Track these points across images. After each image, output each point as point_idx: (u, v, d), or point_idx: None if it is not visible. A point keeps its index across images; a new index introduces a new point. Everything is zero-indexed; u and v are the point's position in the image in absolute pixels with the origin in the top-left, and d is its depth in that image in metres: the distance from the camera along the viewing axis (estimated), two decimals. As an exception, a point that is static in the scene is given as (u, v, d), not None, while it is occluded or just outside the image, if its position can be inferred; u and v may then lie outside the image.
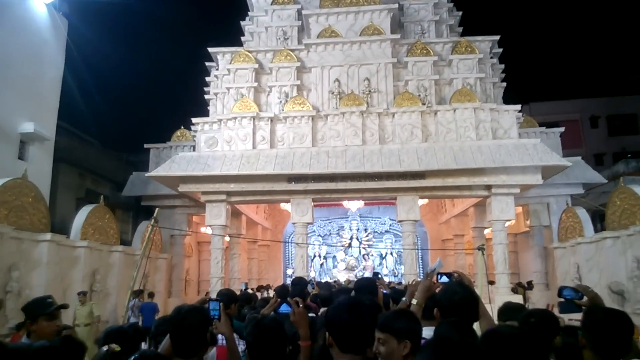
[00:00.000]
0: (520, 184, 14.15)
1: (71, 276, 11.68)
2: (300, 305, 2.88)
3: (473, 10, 20.73)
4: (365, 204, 18.73)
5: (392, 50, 15.77)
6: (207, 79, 17.62)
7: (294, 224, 15.24)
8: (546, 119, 23.62)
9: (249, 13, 18.36)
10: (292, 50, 15.97)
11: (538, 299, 16.03)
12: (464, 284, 3.05)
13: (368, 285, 4.17)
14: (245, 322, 4.20)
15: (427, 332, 2.64)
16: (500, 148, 14.00)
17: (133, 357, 2.33)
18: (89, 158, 19.21)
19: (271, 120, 15.07)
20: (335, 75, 15.65)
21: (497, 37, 16.44)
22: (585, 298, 3.02)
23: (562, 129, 17.98)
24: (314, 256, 22.35)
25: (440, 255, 18.84)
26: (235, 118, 14.97)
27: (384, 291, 4.91)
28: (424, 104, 14.89)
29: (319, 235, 23.02)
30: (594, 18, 36.80)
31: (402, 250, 16.17)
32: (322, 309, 4.92)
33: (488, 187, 14.33)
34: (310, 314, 3.46)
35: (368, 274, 20.77)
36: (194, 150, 16.18)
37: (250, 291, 12.92)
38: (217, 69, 16.92)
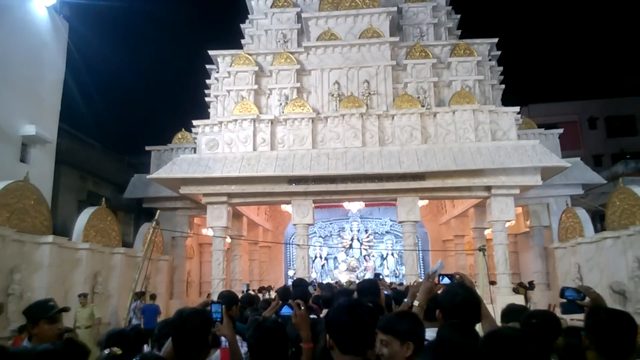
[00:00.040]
0: (519, 184, 14.18)
1: (73, 278, 11.70)
2: (302, 308, 2.90)
3: (471, 13, 20.79)
4: (366, 205, 18.76)
5: (391, 53, 15.82)
6: (207, 81, 17.66)
7: (294, 225, 15.27)
8: (545, 121, 23.66)
9: (249, 16, 18.42)
10: (292, 53, 16.02)
11: (539, 299, 16.04)
12: (466, 286, 3.07)
13: (370, 287, 4.20)
14: (247, 324, 4.22)
15: (429, 333, 2.65)
16: (500, 149, 14.04)
17: (134, 359, 2.36)
18: (90, 160, 19.24)
19: (271, 123, 15.12)
20: (334, 78, 15.70)
21: (496, 40, 16.50)
22: (587, 299, 3.03)
23: (560, 131, 18.03)
24: (315, 257, 22.35)
25: (440, 256, 18.89)
26: (235, 120, 15.01)
27: (385, 292, 4.94)
28: (423, 106, 14.94)
29: (319, 236, 23.02)
30: (592, 20, 36.87)
31: (402, 251, 16.20)
32: (324, 311, 4.94)
33: (488, 188, 14.36)
34: (312, 316, 3.49)
35: (369, 274, 20.79)
36: (194, 152, 16.21)
37: (251, 292, 12.96)
38: (217, 72, 16.96)
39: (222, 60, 16.70)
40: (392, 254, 22.09)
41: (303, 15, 16.90)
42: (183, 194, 15.11)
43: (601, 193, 19.40)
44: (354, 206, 18.48)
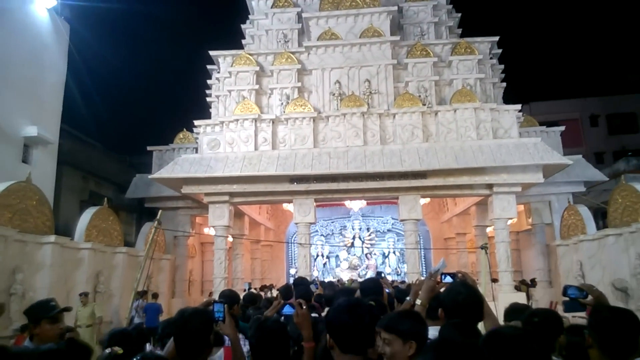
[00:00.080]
0: (521, 182, 14.18)
1: (75, 278, 11.73)
2: (304, 307, 2.90)
3: (472, 11, 20.75)
4: (368, 203, 18.76)
5: (392, 52, 15.81)
6: (208, 81, 17.68)
7: (296, 224, 15.29)
8: (546, 118, 23.64)
9: (250, 16, 18.42)
10: (293, 53, 16.02)
11: (541, 297, 16.05)
12: (468, 284, 3.06)
13: (373, 286, 4.20)
14: (249, 323, 4.23)
15: (432, 332, 2.66)
16: (501, 147, 14.03)
17: (135, 359, 2.36)
18: (92, 161, 19.28)
19: (273, 122, 15.12)
20: (335, 77, 15.70)
21: (497, 38, 16.47)
22: (589, 297, 3.03)
23: (562, 128, 17.99)
24: (317, 256, 22.38)
25: (442, 254, 18.89)
26: (237, 120, 15.02)
27: (387, 290, 4.94)
28: (424, 104, 14.93)
29: (321, 235, 23.05)
30: (593, 17, 36.78)
31: (404, 249, 16.20)
32: (327, 309, 4.94)
33: (489, 186, 14.36)
34: (313, 314, 3.49)
35: (371, 272, 20.81)
36: (196, 152, 16.23)
37: (253, 291, 12.96)
38: (218, 72, 16.97)
39: (223, 61, 16.71)
40: (394, 252, 22.11)
41: (303, 15, 16.90)
42: (185, 193, 15.13)
43: (603, 190, 19.36)
44: (356, 205, 18.49)
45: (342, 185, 14.43)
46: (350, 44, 15.78)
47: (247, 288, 14.10)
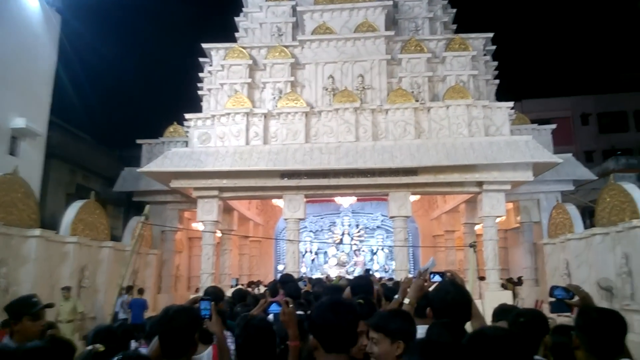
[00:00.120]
0: (511, 180, 14.22)
1: (60, 272, 11.60)
2: (290, 305, 2.87)
3: (467, 7, 20.76)
4: (358, 199, 18.73)
5: (386, 47, 15.77)
6: (200, 74, 17.54)
7: (286, 219, 15.23)
8: (538, 116, 23.79)
9: (243, 9, 18.28)
10: (287, 47, 15.93)
11: (527, 295, 16.17)
12: (457, 284, 3.05)
13: (364, 284, 4.18)
14: (236, 321, 4.19)
15: (420, 330, 2.65)
16: (492, 145, 14.05)
17: (116, 358, 2.31)
18: (80, 153, 19.08)
19: (265, 117, 15.03)
20: (329, 72, 15.64)
21: (491, 35, 16.49)
22: (576, 298, 3.02)
23: (553, 126, 18.06)
24: (305, 252, 22.33)
25: (431, 251, 18.95)
26: (228, 114, 14.91)
27: (374, 287, 4.92)
28: (417, 100, 14.92)
29: (310, 231, 23.00)
30: (586, 16, 36.96)
31: (393, 246, 16.22)
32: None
33: (479, 184, 14.39)
34: (298, 312, 3.46)
35: (359, 269, 20.82)
36: (186, 146, 16.10)
37: (241, 286, 12.90)
38: (210, 65, 16.85)
39: (216, 54, 16.58)
40: (383, 249, 22.14)
41: (298, 8, 16.79)
42: (174, 187, 15.01)
43: (592, 189, 19.51)
44: (346, 201, 18.45)
45: (333, 181, 14.38)
46: (344, 39, 15.72)
47: (234, 284, 14.03)
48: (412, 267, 19.32)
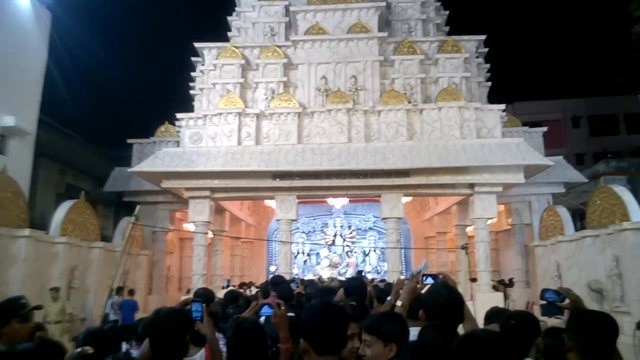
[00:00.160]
0: (502, 182, 14.29)
1: (49, 273, 11.48)
2: (282, 307, 2.86)
3: (459, 9, 20.84)
4: (350, 201, 18.75)
5: (379, 48, 15.79)
6: (192, 74, 17.45)
7: (278, 220, 15.20)
8: (529, 119, 23.86)
9: (236, 8, 18.22)
10: (279, 47, 15.90)
11: (518, 297, 16.24)
12: (449, 286, 3.05)
13: (357, 286, 4.17)
14: (229, 323, 4.16)
15: (412, 332, 2.65)
16: (484, 147, 14.11)
17: None
18: (70, 153, 18.91)
19: (257, 117, 14.99)
20: (322, 73, 15.62)
21: (483, 37, 16.56)
22: (567, 300, 3.03)
23: (544, 129, 18.17)
24: (298, 253, 22.31)
25: (423, 253, 19.00)
26: (220, 114, 14.85)
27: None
28: (409, 102, 14.94)
29: (302, 232, 22.98)
30: (577, 20, 37.30)
31: (385, 247, 16.23)
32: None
33: (471, 186, 14.44)
34: (289, 314, 3.45)
35: (351, 270, 20.83)
36: (178, 146, 16.01)
37: (233, 287, 12.86)
38: (203, 64, 16.77)
39: (208, 53, 16.52)
40: (375, 251, 22.16)
41: (291, 8, 16.77)
42: (165, 188, 14.92)
43: (582, 191, 19.65)
44: (338, 202, 18.46)
45: (325, 182, 14.37)
46: (337, 39, 15.72)
47: (225, 285, 13.98)
48: (404, 269, 19.36)
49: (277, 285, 5.69)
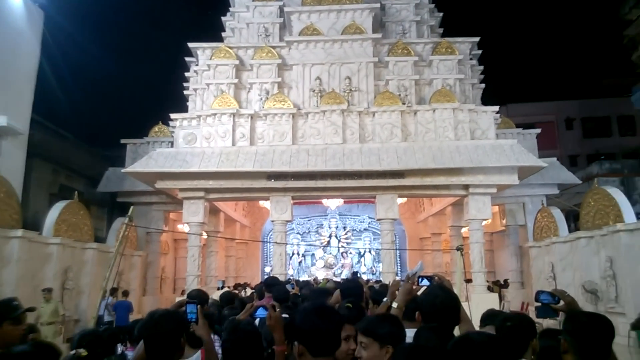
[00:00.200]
0: (497, 183, 14.33)
1: (43, 274, 11.41)
2: (277, 310, 2.84)
3: (453, 11, 20.88)
4: (345, 202, 18.76)
5: (374, 50, 15.80)
6: (186, 74, 17.39)
7: (273, 221, 15.17)
8: (523, 120, 23.99)
9: (230, 9, 18.17)
10: (274, 47, 15.87)
11: (513, 297, 16.30)
12: (446, 288, 3.05)
13: (354, 287, 4.16)
14: (224, 324, 4.14)
15: (408, 334, 2.63)
16: (478, 148, 14.15)
17: None
18: (63, 153, 18.78)
19: (251, 117, 14.96)
20: (316, 73, 15.61)
21: (477, 39, 16.60)
22: (561, 302, 3.03)
23: (538, 131, 18.27)
24: (293, 254, 22.30)
25: (418, 254, 19.03)
26: (214, 114, 14.81)
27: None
28: (404, 103, 14.96)
29: (297, 233, 22.98)
30: (570, 23, 37.52)
31: (380, 249, 16.25)
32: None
33: (466, 187, 14.48)
34: (284, 315, 3.44)
35: (346, 271, 20.85)
36: (172, 146, 15.96)
37: (227, 288, 12.81)
38: (197, 64, 16.72)
39: (202, 53, 16.46)
40: (370, 251, 22.18)
41: (285, 9, 16.75)
42: (159, 188, 14.86)
43: (576, 193, 19.76)
44: (333, 203, 18.46)
45: (320, 183, 14.36)
46: (331, 40, 15.71)
47: (220, 286, 13.94)
48: (399, 270, 19.39)
49: (272, 286, 5.67)
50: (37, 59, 15.45)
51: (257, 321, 3.54)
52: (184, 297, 3.56)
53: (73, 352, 2.91)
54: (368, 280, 14.95)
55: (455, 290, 4.01)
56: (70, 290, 12.13)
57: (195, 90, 16.33)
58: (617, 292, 11.26)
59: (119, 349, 4.22)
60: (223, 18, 18.26)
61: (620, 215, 11.64)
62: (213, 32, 18.37)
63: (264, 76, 15.57)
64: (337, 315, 2.34)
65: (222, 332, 3.69)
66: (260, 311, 3.09)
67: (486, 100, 16.61)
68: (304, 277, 19.88)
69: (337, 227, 22.70)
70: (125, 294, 13.62)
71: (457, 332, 2.90)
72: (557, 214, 15.06)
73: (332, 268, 21.51)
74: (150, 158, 14.47)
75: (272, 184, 14.42)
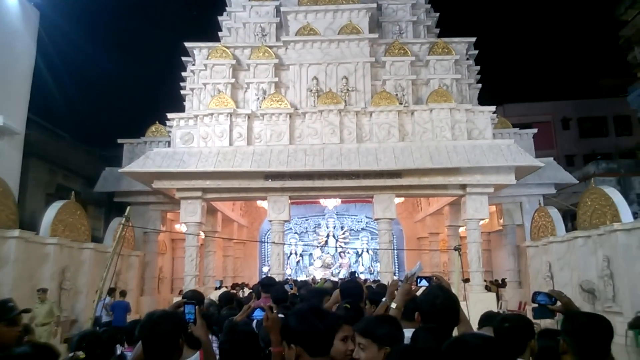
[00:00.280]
0: (494, 183, 14.36)
1: (40, 274, 11.37)
2: (275, 311, 2.84)
3: (450, 11, 20.92)
4: (342, 201, 18.77)
5: (370, 50, 15.80)
6: (183, 74, 17.35)
7: (270, 221, 15.16)
8: (520, 120, 24.03)
9: (227, 8, 18.14)
10: (270, 47, 15.86)
11: (511, 297, 16.33)
12: (445, 288, 3.04)
13: (353, 288, 4.15)
14: (225, 325, 4.13)
15: (407, 334, 2.64)
16: (475, 148, 14.17)
17: None
18: (60, 153, 18.73)
19: (248, 117, 14.95)
20: (313, 73, 15.60)
21: (474, 39, 16.63)
22: (558, 303, 3.03)
23: (535, 131, 18.31)
24: (290, 253, 22.29)
25: (415, 254, 19.05)
26: (211, 114, 14.79)
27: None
28: (401, 103, 14.98)
29: (295, 232, 22.97)
30: (566, 23, 37.63)
31: (378, 249, 16.25)
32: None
33: (463, 187, 14.50)
34: (281, 315, 3.44)
35: (344, 271, 20.85)
36: (169, 146, 15.93)
37: (224, 289, 12.79)
38: (193, 64, 16.68)
39: (199, 53, 16.43)
40: (368, 251, 22.19)
41: (282, 9, 16.73)
42: (156, 188, 14.82)
43: (573, 192, 19.82)
44: (330, 203, 18.47)
45: (318, 183, 14.36)
46: (328, 40, 15.71)
47: (218, 286, 13.91)
48: (397, 269, 19.41)
49: (268, 286, 5.64)
50: (33, 58, 15.41)
51: (254, 322, 3.53)
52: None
53: (71, 354, 2.89)
54: (366, 280, 14.97)
55: (454, 290, 4.00)
56: (68, 290, 12.10)
57: (192, 89, 16.30)
58: (615, 291, 11.30)
59: (118, 349, 4.20)
60: (219, 18, 18.24)
61: (617, 214, 11.67)
62: (210, 32, 18.36)
63: (260, 76, 15.56)
64: (330, 315, 2.39)
65: (219, 333, 3.68)
66: (258, 312, 3.09)
67: (483, 100, 16.64)
68: (301, 277, 19.88)
69: (334, 226, 22.70)
70: (123, 294, 13.56)
71: (455, 333, 2.89)
72: (555, 214, 15.10)
73: (330, 268, 21.51)
74: (147, 158, 14.44)
75: (270, 183, 14.41)
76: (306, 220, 23.09)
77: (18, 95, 14.58)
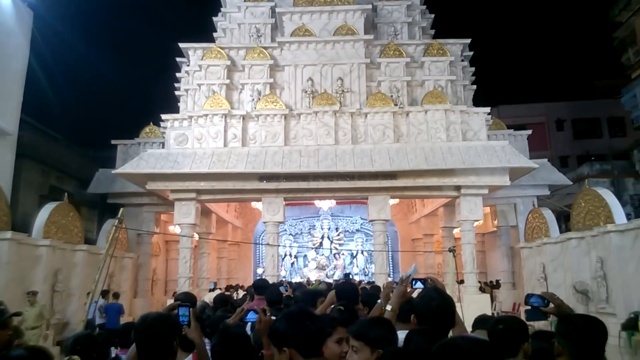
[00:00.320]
0: (488, 184, 14.39)
1: (32, 276, 11.27)
2: (268, 314, 2.83)
3: (445, 13, 20.98)
4: (337, 203, 18.75)
5: (366, 51, 15.81)
6: (177, 74, 17.31)
7: (265, 222, 15.13)
8: (514, 122, 24.11)
9: (222, 9, 18.11)
10: (265, 48, 15.84)
11: (505, 298, 16.37)
12: (441, 290, 3.04)
13: (349, 289, 4.13)
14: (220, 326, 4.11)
15: (401, 335, 2.62)
16: (470, 149, 14.20)
17: None
18: (53, 154, 18.62)
19: (243, 118, 14.92)
20: (308, 74, 15.59)
21: (468, 41, 16.67)
22: (551, 305, 3.03)
23: (529, 132, 18.38)
24: (285, 255, 22.26)
25: (410, 255, 19.06)
26: (206, 115, 14.74)
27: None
28: (396, 104, 14.99)
29: (290, 234, 22.95)
30: (560, 25, 37.84)
31: (372, 250, 16.25)
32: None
33: (457, 188, 14.53)
34: (273, 317, 3.44)
35: (339, 273, 20.84)
36: (163, 147, 15.87)
37: (218, 291, 12.74)
38: (188, 65, 16.64)
39: (193, 54, 16.39)
40: (362, 253, 22.19)
41: (277, 10, 16.72)
42: (150, 189, 14.76)
43: (567, 194, 19.89)
44: (325, 204, 18.45)
45: (313, 185, 14.34)
46: (323, 41, 15.71)
47: (212, 288, 13.86)
48: (392, 271, 19.42)
49: (261, 289, 5.61)
50: (26, 59, 15.32)
51: (249, 324, 3.51)
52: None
53: (67, 358, 2.87)
54: (360, 282, 14.97)
55: (448, 292, 4.01)
56: (60, 292, 12.00)
57: (186, 90, 16.25)
58: (608, 292, 11.33)
59: (112, 352, 4.17)
60: (214, 18, 18.20)
61: (611, 216, 11.71)
62: (204, 33, 18.36)
63: (255, 77, 15.53)
64: (324, 317, 2.43)
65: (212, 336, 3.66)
66: (251, 315, 3.08)
67: (477, 101, 16.70)
68: (296, 279, 19.86)
69: (329, 228, 22.69)
70: (116, 296, 13.49)
71: (450, 335, 2.88)
72: (548, 215, 15.14)
73: (325, 269, 21.50)
74: (141, 159, 14.37)
75: (264, 185, 14.38)
76: (301, 221, 23.07)
77: (11, 96, 14.48)
